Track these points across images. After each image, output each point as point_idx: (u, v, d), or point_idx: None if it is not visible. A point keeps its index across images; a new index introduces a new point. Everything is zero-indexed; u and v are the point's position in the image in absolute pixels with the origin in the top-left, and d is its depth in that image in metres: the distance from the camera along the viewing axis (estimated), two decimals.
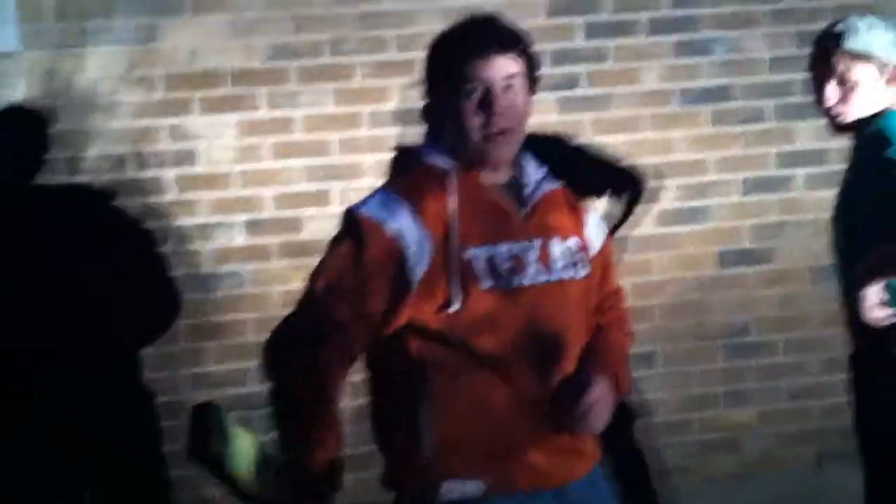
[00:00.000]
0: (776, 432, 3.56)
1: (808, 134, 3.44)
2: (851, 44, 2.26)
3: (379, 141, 3.24)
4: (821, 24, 3.32)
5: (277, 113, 3.22)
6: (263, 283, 3.27)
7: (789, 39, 3.42)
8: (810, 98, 3.37)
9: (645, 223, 3.43)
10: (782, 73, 3.41)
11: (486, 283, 1.74)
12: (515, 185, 1.86)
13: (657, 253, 3.45)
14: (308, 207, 3.26)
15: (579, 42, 3.34)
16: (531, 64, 1.82)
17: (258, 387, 3.26)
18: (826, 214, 3.45)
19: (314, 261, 3.21)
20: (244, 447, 1.78)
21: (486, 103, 1.74)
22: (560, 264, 1.83)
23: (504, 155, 1.81)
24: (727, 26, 3.40)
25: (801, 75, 3.36)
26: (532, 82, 1.83)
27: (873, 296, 2.22)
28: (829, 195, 3.43)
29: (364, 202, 1.79)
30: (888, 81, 2.29)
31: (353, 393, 2.70)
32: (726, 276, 3.48)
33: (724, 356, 3.51)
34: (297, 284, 3.23)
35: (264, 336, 3.26)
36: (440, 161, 1.81)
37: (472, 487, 1.75)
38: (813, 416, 3.56)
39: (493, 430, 1.76)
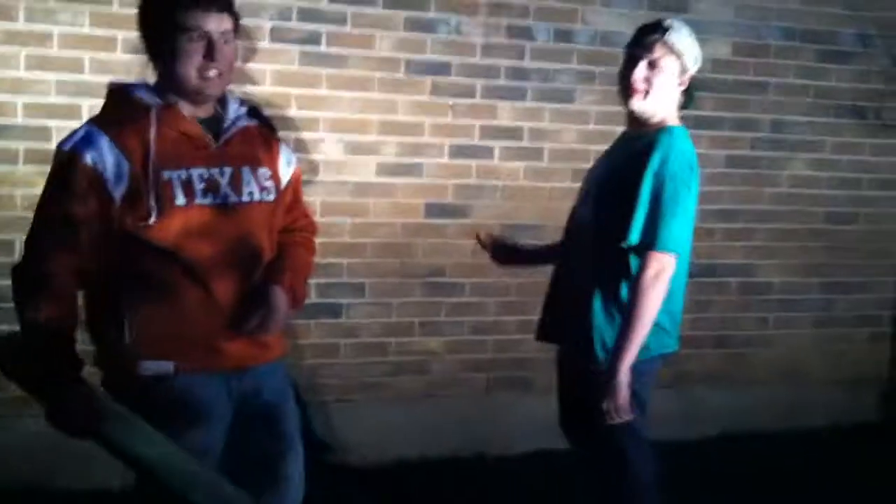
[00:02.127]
0: (457, 360, 4.13)
1: (508, 113, 4.03)
2: (673, 39, 2.58)
3: (131, 64, 3.47)
4: (528, 21, 3.97)
5: (35, 27, 3.38)
6: (8, 185, 3.44)
7: (500, 30, 3.97)
8: (513, 82, 4.01)
9: (366, 172, 3.89)
10: (492, 58, 3.96)
11: (180, 200, 2.10)
12: (216, 120, 2.23)
13: (375, 199, 3.91)
14: (57, 119, 3.43)
15: (324, 4, 3.72)
16: (237, 22, 2.20)
17: None
18: (514, 182, 4.09)
19: None
20: None
21: (208, 50, 2.11)
22: (249, 189, 2.21)
23: (216, 93, 2.19)
24: (451, 10, 3.88)
25: (506, 62, 3.99)
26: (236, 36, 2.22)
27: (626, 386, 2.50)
28: (520, 166, 4.09)
29: (69, 137, 2.13)
30: (680, 83, 2.66)
31: None
32: (430, 224, 4.00)
33: (421, 292, 4.04)
34: (40, 189, 3.43)
35: (4, 234, 3.47)
36: (146, 97, 2.16)
37: (164, 367, 2.13)
38: (487, 348, 4.17)
39: (182, 323, 2.13)
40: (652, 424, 4.28)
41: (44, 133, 3.44)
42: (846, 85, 4.53)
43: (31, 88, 3.42)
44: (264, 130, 2.36)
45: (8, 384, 3.46)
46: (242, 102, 2.32)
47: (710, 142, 4.27)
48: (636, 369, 2.54)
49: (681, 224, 2.54)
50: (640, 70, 2.58)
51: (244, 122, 2.28)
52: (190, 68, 2.11)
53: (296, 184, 2.41)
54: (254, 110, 2.33)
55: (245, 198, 2.20)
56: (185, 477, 2.09)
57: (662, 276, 2.50)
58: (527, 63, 4.01)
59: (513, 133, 4.05)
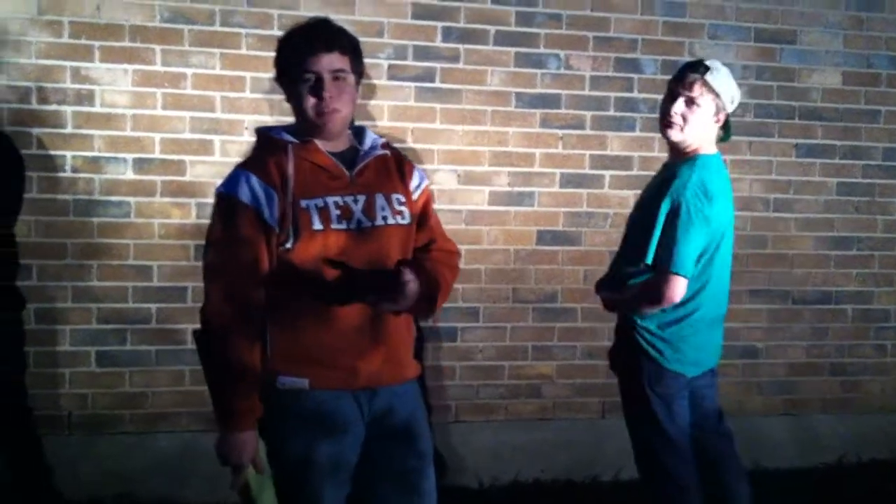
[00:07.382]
0: (570, 384, 3.93)
1: (618, 143, 3.84)
2: (711, 79, 2.63)
3: (258, 103, 3.44)
4: (635, 55, 3.78)
5: (170, 69, 3.39)
6: (147, 215, 3.43)
7: (608, 63, 3.80)
8: (622, 112, 3.81)
9: (479, 201, 3.76)
10: (600, 90, 3.79)
11: (317, 226, 2.08)
12: (351, 152, 2.21)
13: (488, 227, 3.77)
14: (192, 154, 3.43)
15: (438, 42, 3.63)
16: (356, 59, 2.15)
17: (133, 304, 3.45)
18: (624, 210, 3.87)
19: (193, 200, 3.43)
20: None
21: (318, 90, 2.09)
22: (384, 213, 2.17)
23: (334, 129, 2.15)
24: (560, 45, 3.74)
25: (615, 93, 3.80)
26: (358, 74, 2.17)
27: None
28: (629, 194, 3.88)
29: (225, 181, 2.14)
30: (716, 120, 2.70)
31: None
32: (542, 251, 3.83)
33: (533, 317, 3.86)
34: (176, 220, 3.44)
35: (144, 260, 3.48)
36: (283, 136, 2.17)
37: (300, 382, 2.12)
38: (600, 372, 3.93)
39: (317, 343, 2.11)
40: (768, 451, 3.98)
41: (179, 167, 3.44)
42: None
43: (167, 126, 3.42)
44: (398, 157, 2.31)
45: (143, 401, 3.48)
46: (378, 137, 2.29)
47: (822, 169, 4.01)
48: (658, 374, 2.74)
49: (689, 248, 2.59)
50: (679, 105, 2.65)
51: (377, 152, 2.24)
52: (307, 107, 2.11)
53: (427, 203, 2.35)
54: (387, 144, 2.29)
55: (379, 222, 2.17)
56: None
57: (667, 293, 2.59)
58: (635, 94, 3.81)
59: (622, 162, 3.85)
